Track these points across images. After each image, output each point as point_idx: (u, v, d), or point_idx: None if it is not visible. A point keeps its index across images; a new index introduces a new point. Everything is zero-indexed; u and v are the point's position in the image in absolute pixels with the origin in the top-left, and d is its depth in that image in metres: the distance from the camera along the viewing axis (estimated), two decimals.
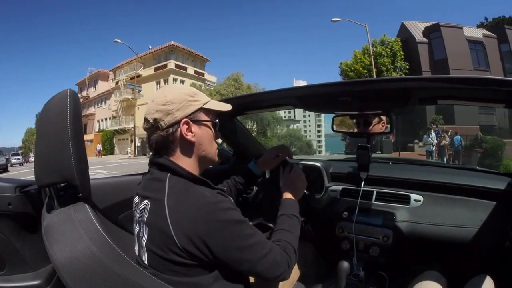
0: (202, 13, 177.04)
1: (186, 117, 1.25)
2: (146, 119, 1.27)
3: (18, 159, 42.08)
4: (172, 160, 1.24)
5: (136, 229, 1.25)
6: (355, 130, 2.31)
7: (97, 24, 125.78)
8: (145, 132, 1.29)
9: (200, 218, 1.08)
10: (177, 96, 1.26)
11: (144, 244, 1.16)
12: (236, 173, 1.92)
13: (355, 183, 2.26)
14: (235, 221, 1.14)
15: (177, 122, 1.24)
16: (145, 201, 1.20)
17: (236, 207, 1.20)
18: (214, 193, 1.18)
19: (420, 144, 20.60)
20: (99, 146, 41.26)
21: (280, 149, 1.90)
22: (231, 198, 1.24)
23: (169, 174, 1.21)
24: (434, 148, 15.77)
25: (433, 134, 16.07)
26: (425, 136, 16.34)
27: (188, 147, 1.27)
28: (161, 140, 1.24)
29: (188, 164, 1.27)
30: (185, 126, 1.25)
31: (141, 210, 1.21)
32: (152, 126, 1.25)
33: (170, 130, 1.23)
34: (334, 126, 2.25)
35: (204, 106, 1.30)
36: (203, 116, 1.31)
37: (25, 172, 23.56)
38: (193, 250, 1.07)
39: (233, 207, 1.18)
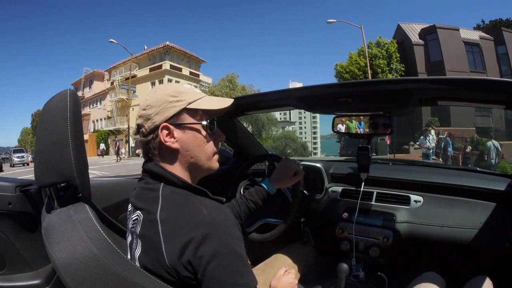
0: (198, 14, 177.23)
1: (165, 122, 1.12)
2: (136, 125, 1.19)
3: (22, 157, 33.05)
4: (165, 167, 1.14)
5: (129, 239, 1.18)
6: (368, 131, 2.27)
7: (93, 24, 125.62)
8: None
9: (193, 239, 0.97)
10: (157, 98, 1.14)
11: (136, 257, 1.09)
12: (237, 180, 1.87)
13: (355, 184, 2.28)
14: (232, 253, 1.00)
15: (157, 128, 1.12)
16: (138, 212, 1.12)
17: (237, 232, 1.07)
18: (213, 207, 1.07)
19: (416, 146, 20.63)
20: (102, 145, 39.55)
21: (293, 166, 1.82)
22: (232, 215, 1.12)
23: (162, 183, 1.12)
24: (431, 151, 14.89)
25: (431, 136, 15.14)
26: (421, 137, 15.31)
27: (171, 155, 1.15)
28: (144, 148, 1.17)
29: (180, 172, 1.16)
30: (165, 132, 1.12)
31: (133, 221, 1.14)
32: (137, 132, 1.18)
33: (151, 136, 1.13)
34: (334, 126, 2.26)
35: (189, 107, 1.14)
36: (187, 118, 1.15)
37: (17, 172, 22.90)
38: (181, 270, 0.98)
39: (232, 232, 1.04)
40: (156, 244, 1.01)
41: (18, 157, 32.93)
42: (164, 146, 1.13)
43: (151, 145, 1.14)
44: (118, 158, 29.72)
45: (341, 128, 2.32)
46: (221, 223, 1.03)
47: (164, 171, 1.12)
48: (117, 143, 30.84)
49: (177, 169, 1.16)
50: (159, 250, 1.00)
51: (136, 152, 31.79)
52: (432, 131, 15.27)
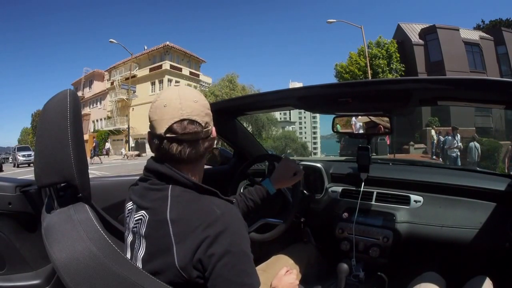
0: (198, 14, 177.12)
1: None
2: (194, 121, 1.10)
3: (29, 156, 26.90)
4: (175, 169, 1.11)
5: (130, 238, 1.17)
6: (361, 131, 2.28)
7: (93, 24, 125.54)
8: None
9: (207, 239, 0.98)
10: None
11: (140, 257, 1.08)
12: (237, 180, 1.87)
13: (355, 184, 2.28)
14: (241, 252, 1.02)
15: (212, 129, 1.19)
16: (142, 212, 1.11)
17: (246, 233, 1.09)
18: (225, 207, 1.08)
19: (416, 146, 20.60)
20: (108, 145, 37.88)
21: (293, 166, 1.84)
22: (241, 216, 1.12)
23: (170, 184, 1.10)
24: (459, 153, 13.80)
25: (459, 136, 13.92)
26: (449, 138, 14.19)
27: (207, 154, 1.23)
28: (208, 147, 1.18)
29: (198, 172, 1.20)
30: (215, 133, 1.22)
31: (136, 221, 1.13)
32: (201, 130, 1.11)
33: (211, 135, 1.18)
34: (334, 126, 2.26)
35: None
36: None
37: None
38: (190, 271, 0.98)
39: (242, 232, 1.06)
40: (166, 245, 1.01)
41: (23, 155, 28.22)
42: (212, 145, 1.20)
43: (208, 144, 1.17)
44: (95, 159, 27.06)
45: (356, 122, 2.32)
46: (233, 223, 1.04)
47: (174, 172, 1.11)
48: (94, 143, 29.26)
49: (197, 169, 1.20)
50: (169, 252, 1.00)
51: (127, 155, 31.04)
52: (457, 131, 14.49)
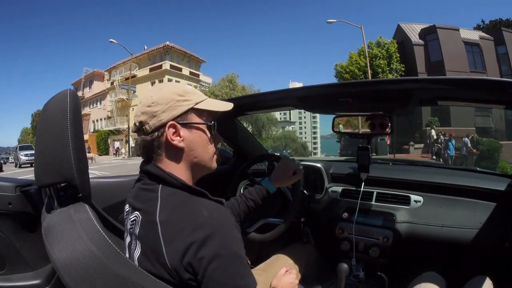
0: (198, 14, 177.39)
1: (172, 120, 1.11)
2: (134, 122, 1.15)
3: (32, 155, 15.04)
4: (163, 168, 1.12)
5: (127, 239, 1.17)
6: (362, 131, 2.28)
7: (93, 24, 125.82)
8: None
9: (194, 243, 0.96)
10: (164, 96, 1.12)
11: (135, 257, 1.08)
12: (237, 180, 1.86)
13: (355, 184, 2.28)
14: (232, 254, 1.00)
15: (163, 125, 1.10)
16: (136, 213, 1.11)
17: (237, 233, 1.06)
18: (213, 209, 1.06)
19: (416, 146, 20.60)
20: (117, 144, 38.31)
21: (292, 165, 1.82)
22: (232, 217, 1.10)
23: (160, 184, 1.10)
24: None
25: None
26: None
27: (176, 153, 1.14)
28: (146, 145, 1.13)
29: (180, 172, 1.14)
30: (172, 130, 1.11)
31: (131, 222, 1.13)
32: (138, 129, 1.13)
33: (155, 134, 1.11)
34: (334, 126, 2.25)
35: (196, 107, 1.15)
36: (194, 118, 1.16)
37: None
38: (182, 272, 0.97)
39: (232, 233, 1.04)
40: (156, 246, 1.00)
41: (26, 155, 26.48)
42: (170, 145, 1.12)
43: (155, 144, 1.11)
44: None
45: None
46: (221, 225, 1.02)
47: (162, 173, 1.10)
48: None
49: (179, 169, 1.15)
50: (159, 253, 0.99)
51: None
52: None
